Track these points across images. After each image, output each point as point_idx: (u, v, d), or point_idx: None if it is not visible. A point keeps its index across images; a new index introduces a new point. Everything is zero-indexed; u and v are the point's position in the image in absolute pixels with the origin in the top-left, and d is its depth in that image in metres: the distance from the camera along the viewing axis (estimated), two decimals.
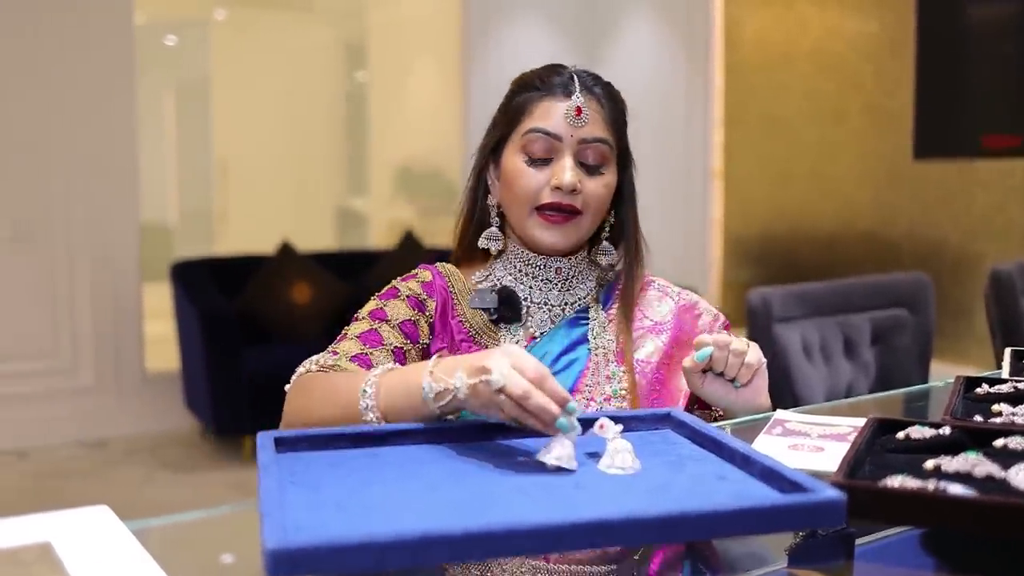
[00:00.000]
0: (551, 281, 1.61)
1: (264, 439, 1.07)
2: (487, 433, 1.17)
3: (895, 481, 0.96)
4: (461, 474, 1.03)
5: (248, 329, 4.85)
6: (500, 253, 1.63)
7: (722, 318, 1.68)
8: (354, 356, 1.45)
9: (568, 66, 1.62)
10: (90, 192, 4.93)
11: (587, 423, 1.13)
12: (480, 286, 1.61)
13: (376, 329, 1.50)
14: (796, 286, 2.38)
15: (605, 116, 1.58)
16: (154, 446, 4.87)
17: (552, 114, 1.55)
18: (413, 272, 1.62)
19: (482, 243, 1.62)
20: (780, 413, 1.42)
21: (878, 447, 1.14)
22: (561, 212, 1.53)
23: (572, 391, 1.54)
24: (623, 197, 1.64)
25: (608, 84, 1.63)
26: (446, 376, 1.17)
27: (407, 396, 1.20)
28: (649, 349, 1.60)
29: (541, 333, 1.57)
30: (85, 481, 4.38)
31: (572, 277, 1.63)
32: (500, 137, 1.61)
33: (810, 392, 2.33)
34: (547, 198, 1.53)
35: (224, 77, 8.95)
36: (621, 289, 1.65)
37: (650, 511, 0.86)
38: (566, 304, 1.61)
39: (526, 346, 1.56)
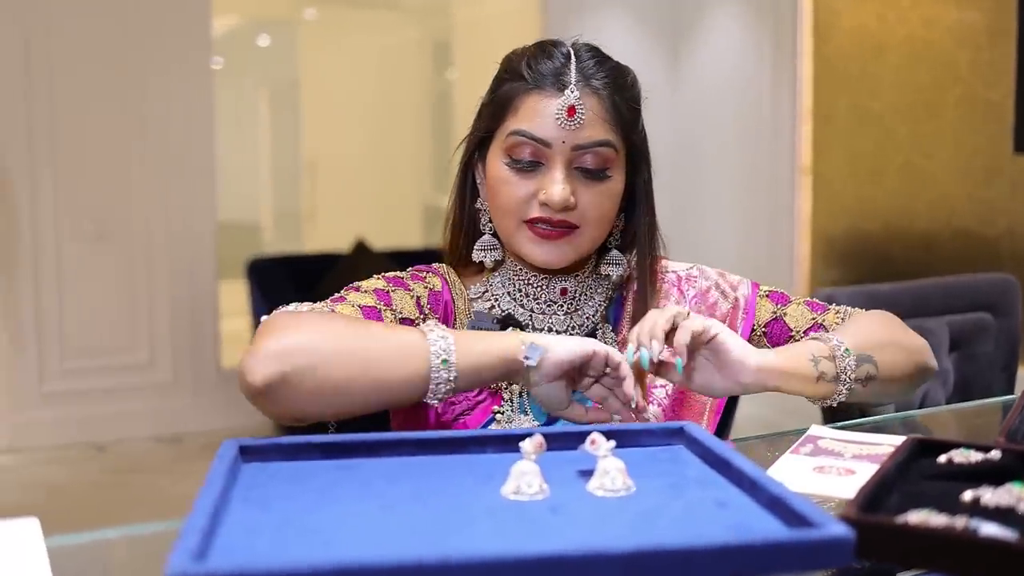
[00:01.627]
0: (555, 303, 1.39)
1: (227, 448, 0.98)
2: (473, 445, 1.06)
3: (917, 516, 0.82)
4: (430, 493, 0.93)
5: None
6: (498, 263, 1.41)
7: (744, 293, 1.44)
8: None
9: (564, 43, 1.35)
10: (169, 192, 4.96)
11: (579, 437, 1.02)
12: (477, 306, 1.40)
13: (379, 309, 1.27)
14: (865, 286, 2.21)
15: (608, 112, 1.32)
16: None
17: (540, 113, 1.29)
18: (422, 272, 1.40)
19: (476, 256, 1.40)
20: (814, 428, 1.27)
21: (914, 473, 1.00)
22: (553, 227, 1.31)
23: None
24: (636, 202, 1.40)
25: (615, 67, 1.36)
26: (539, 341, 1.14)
27: (497, 356, 1.13)
28: None
29: None
30: (160, 476, 4.40)
31: (579, 296, 1.40)
32: (485, 131, 1.37)
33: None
34: (535, 212, 1.30)
35: (313, 76, 9.00)
36: (632, 312, 1.42)
37: (620, 545, 0.74)
38: (572, 328, 1.39)
39: None
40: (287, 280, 4.96)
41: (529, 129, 1.30)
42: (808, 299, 1.48)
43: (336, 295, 1.29)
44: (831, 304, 1.46)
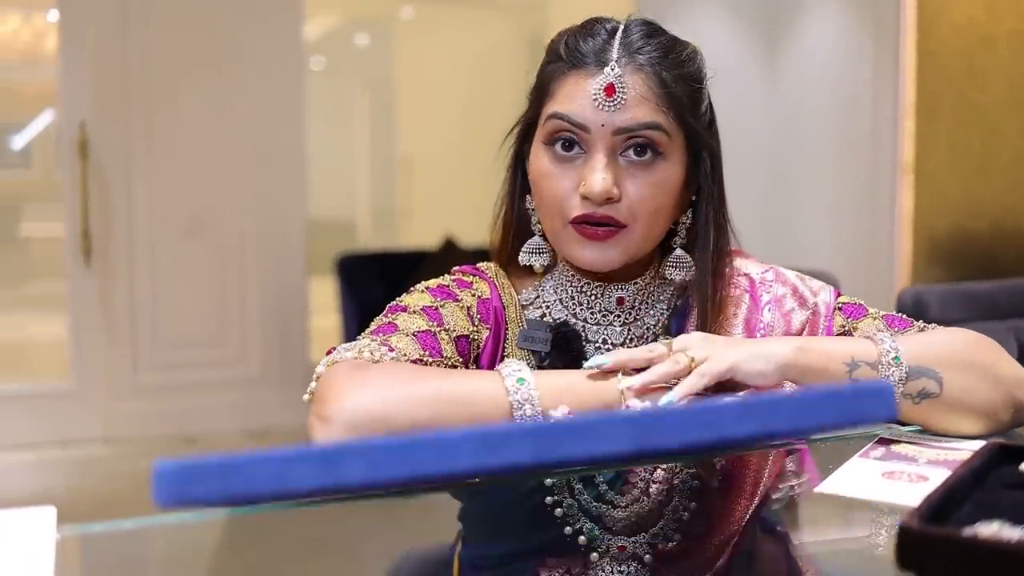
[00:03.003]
0: (611, 313, 1.24)
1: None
2: None
3: (988, 529, 0.74)
4: None
5: None
6: (548, 267, 1.27)
7: (825, 300, 1.27)
8: (413, 362, 1.11)
9: (613, 19, 1.21)
10: (261, 188, 5.02)
11: None
12: (529, 313, 1.26)
13: (435, 333, 1.15)
14: (960, 284, 2.10)
15: (656, 90, 1.15)
16: None
17: (579, 95, 1.15)
18: (468, 277, 1.27)
19: (523, 259, 1.25)
20: (889, 430, 1.18)
21: (993, 481, 0.91)
22: (598, 226, 1.15)
23: None
24: (701, 196, 1.23)
25: (667, 40, 1.19)
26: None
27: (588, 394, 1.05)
28: None
29: None
30: None
31: (638, 305, 1.25)
32: (529, 120, 1.24)
33: None
34: (577, 209, 1.15)
35: (409, 74, 9.05)
36: (698, 323, 1.24)
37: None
38: (630, 340, 1.24)
39: None
40: (376, 277, 4.97)
41: (565, 111, 1.15)
42: (890, 313, 1.29)
43: (384, 321, 1.17)
44: (916, 320, 1.27)
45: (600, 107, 1.14)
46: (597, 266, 1.18)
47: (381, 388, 1.01)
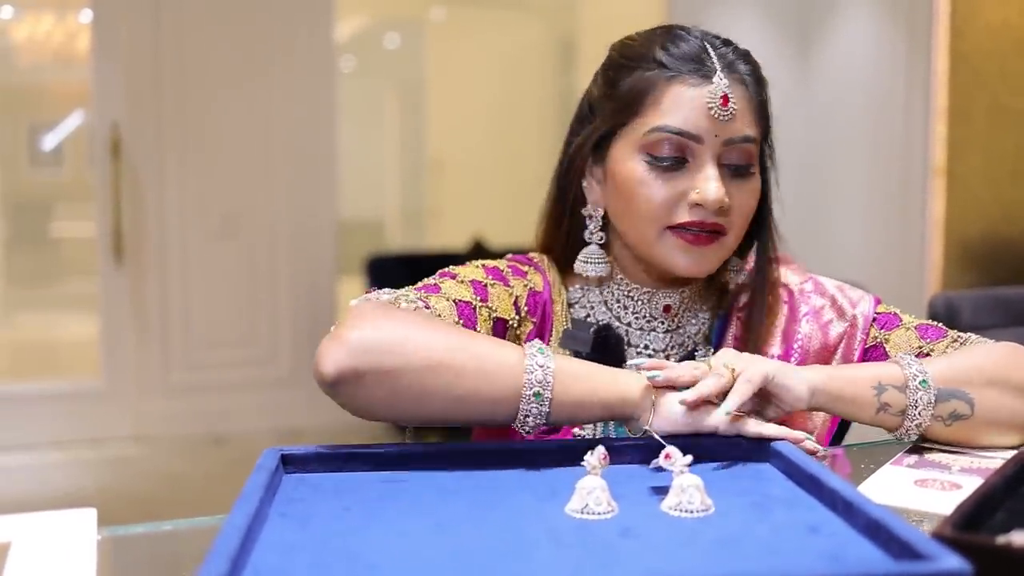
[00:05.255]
0: (655, 319, 1.27)
1: (268, 457, 0.93)
2: (533, 458, 0.99)
3: (1021, 537, 0.74)
4: (487, 512, 0.86)
5: None
6: (603, 278, 1.29)
7: (864, 311, 1.28)
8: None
9: (688, 27, 1.23)
10: (292, 189, 5.04)
11: (645, 451, 0.95)
12: (574, 312, 1.29)
13: (475, 307, 1.17)
14: (992, 289, 2.08)
15: (752, 103, 1.21)
16: (345, 438, 4.87)
17: (687, 105, 1.16)
18: (523, 266, 1.28)
19: (580, 268, 1.26)
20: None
21: None
22: (704, 232, 1.17)
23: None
24: (763, 206, 1.27)
25: (748, 53, 1.24)
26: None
27: (601, 403, 1.02)
28: None
29: None
30: None
31: (681, 313, 1.28)
32: (609, 130, 1.23)
33: None
34: (684, 216, 1.17)
35: (439, 75, 9.06)
36: (744, 319, 1.28)
37: (701, 574, 0.68)
38: (672, 347, 1.27)
39: None
40: (404, 277, 4.90)
41: (677, 125, 1.16)
42: (925, 323, 1.28)
43: (431, 281, 1.19)
44: (951, 329, 1.27)
45: (716, 117, 1.16)
46: (693, 271, 1.20)
47: (403, 323, 1.03)
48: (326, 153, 5.13)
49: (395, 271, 5.02)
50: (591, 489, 0.85)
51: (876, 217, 5.44)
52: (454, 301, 1.15)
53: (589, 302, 1.29)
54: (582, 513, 0.85)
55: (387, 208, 9.67)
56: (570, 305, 1.29)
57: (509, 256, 1.31)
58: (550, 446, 1.00)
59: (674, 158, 1.17)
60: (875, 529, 0.77)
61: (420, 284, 1.19)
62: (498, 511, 0.87)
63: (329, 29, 5.13)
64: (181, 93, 4.84)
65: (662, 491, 0.89)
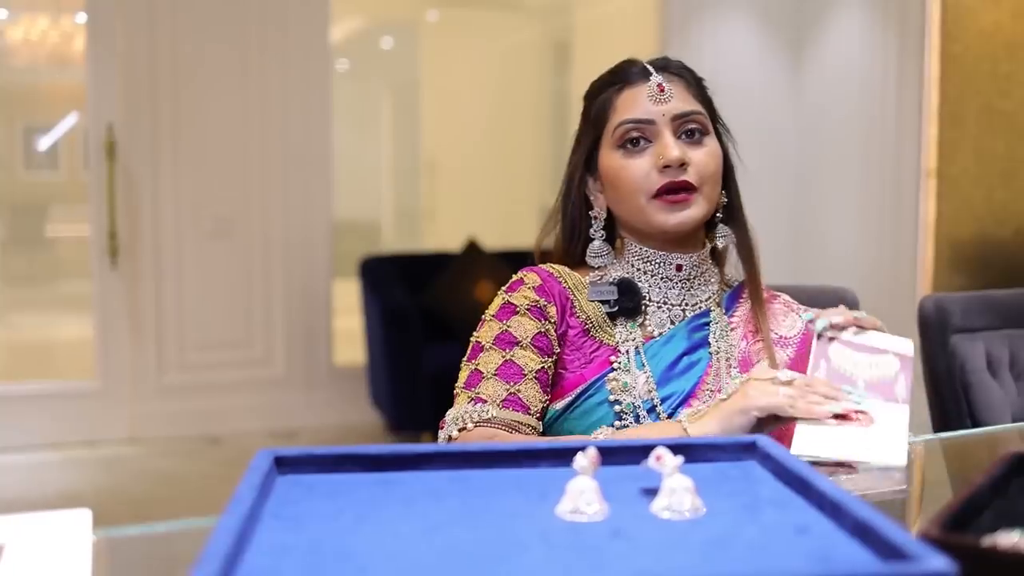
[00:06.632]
0: (671, 279, 1.51)
1: (261, 458, 0.95)
2: (524, 459, 1.01)
3: (1008, 538, 0.75)
4: (478, 513, 0.88)
5: (432, 326, 4.82)
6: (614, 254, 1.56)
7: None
8: (504, 401, 1.38)
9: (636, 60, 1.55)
10: (287, 190, 5.06)
11: (643, 452, 0.96)
12: (596, 281, 1.53)
13: (511, 359, 1.42)
14: (982, 292, 2.10)
15: (689, 89, 1.51)
16: (339, 439, 4.91)
17: (636, 100, 1.48)
18: (517, 279, 1.52)
19: (592, 260, 1.54)
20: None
21: (1014, 490, 0.92)
22: (678, 192, 1.45)
23: (691, 395, 1.44)
24: (729, 176, 1.56)
25: (681, 62, 1.56)
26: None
27: None
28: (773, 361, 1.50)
29: (659, 332, 1.49)
30: None
31: (693, 277, 1.53)
32: (591, 144, 1.54)
33: (994, 415, 2.03)
34: (658, 181, 1.45)
35: (434, 77, 9.06)
36: (747, 283, 1.57)
37: (697, 574, 0.69)
38: (686, 305, 1.52)
39: (643, 344, 1.46)
40: (398, 279, 4.99)
41: (632, 116, 1.47)
42: None
43: (470, 368, 1.44)
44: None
45: (656, 102, 1.46)
46: (680, 227, 1.46)
47: None
48: (321, 154, 5.15)
49: (389, 272, 5.03)
50: (582, 490, 0.87)
51: (867, 219, 5.46)
52: (495, 374, 1.40)
53: (611, 276, 1.52)
54: (572, 514, 0.86)
55: (382, 209, 9.67)
56: (593, 283, 1.52)
57: (505, 287, 1.52)
58: (541, 447, 1.02)
59: (638, 139, 1.46)
60: (863, 530, 0.79)
61: (463, 379, 1.45)
62: (489, 512, 0.88)
63: (324, 31, 5.15)
64: (176, 95, 4.85)
65: (652, 492, 0.90)
